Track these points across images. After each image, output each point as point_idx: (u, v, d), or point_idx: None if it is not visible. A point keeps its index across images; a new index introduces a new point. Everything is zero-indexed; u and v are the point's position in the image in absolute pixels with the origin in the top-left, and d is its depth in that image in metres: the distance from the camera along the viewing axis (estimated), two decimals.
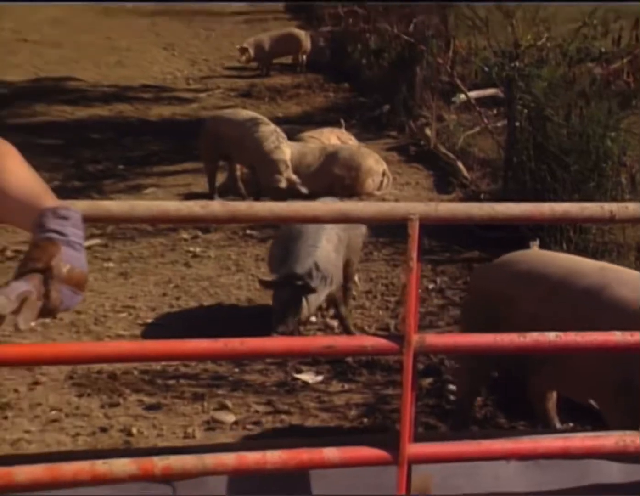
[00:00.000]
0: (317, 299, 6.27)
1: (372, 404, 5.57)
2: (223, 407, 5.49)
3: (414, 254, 2.44)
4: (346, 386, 5.82)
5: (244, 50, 18.58)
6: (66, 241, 1.76)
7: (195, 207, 2.42)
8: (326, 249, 6.36)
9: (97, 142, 13.49)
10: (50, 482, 2.37)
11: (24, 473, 2.32)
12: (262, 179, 9.98)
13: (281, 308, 6.14)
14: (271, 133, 10.09)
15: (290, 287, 6.09)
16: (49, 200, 1.88)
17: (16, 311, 1.65)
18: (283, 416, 5.42)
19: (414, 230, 2.43)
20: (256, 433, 5.22)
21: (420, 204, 2.54)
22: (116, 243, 8.67)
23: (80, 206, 2.12)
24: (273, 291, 6.34)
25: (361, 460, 2.59)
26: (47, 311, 1.72)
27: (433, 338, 2.74)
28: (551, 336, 2.64)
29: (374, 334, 6.34)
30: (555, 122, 8.58)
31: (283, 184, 9.73)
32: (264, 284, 6.41)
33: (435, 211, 2.51)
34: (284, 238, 6.61)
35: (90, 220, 2.19)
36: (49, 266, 1.70)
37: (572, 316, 4.03)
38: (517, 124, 9.36)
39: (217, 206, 2.45)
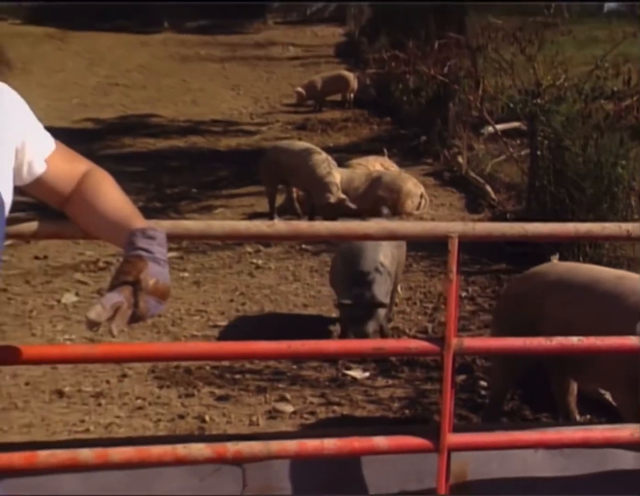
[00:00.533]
0: (384, 311, 6.20)
1: (412, 397, 5.53)
2: (283, 399, 5.48)
3: (454, 268, 2.42)
4: (390, 382, 5.78)
5: (299, 95, 18.73)
6: (152, 258, 1.76)
7: (262, 226, 2.41)
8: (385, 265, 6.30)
9: (174, 169, 13.61)
10: (139, 462, 2.38)
11: (118, 453, 2.33)
12: (315, 200, 9.99)
13: (361, 323, 5.99)
14: (323, 161, 10.10)
15: (367, 305, 5.99)
16: (139, 221, 1.89)
17: (110, 319, 1.66)
18: (335, 408, 5.39)
19: (454, 247, 2.40)
20: (312, 422, 5.20)
21: (459, 224, 2.52)
22: (190, 256, 8.72)
23: (164, 226, 2.12)
24: (347, 309, 6.12)
25: (406, 447, 2.57)
26: (136, 318, 1.73)
27: (470, 341, 2.72)
28: (574, 340, 2.61)
29: (414, 337, 6.32)
30: (572, 151, 8.53)
31: (331, 199, 9.73)
32: (343, 305, 6.14)
33: (472, 230, 2.48)
34: (345, 256, 6.40)
35: (172, 238, 2.19)
36: (138, 279, 1.71)
37: (595, 322, 3.96)
38: (539, 153, 9.32)
39: (281, 225, 2.45)
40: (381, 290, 6.12)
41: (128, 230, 1.84)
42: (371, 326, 5.99)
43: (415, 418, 5.22)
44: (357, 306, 5.98)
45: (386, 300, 6.15)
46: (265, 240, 7.55)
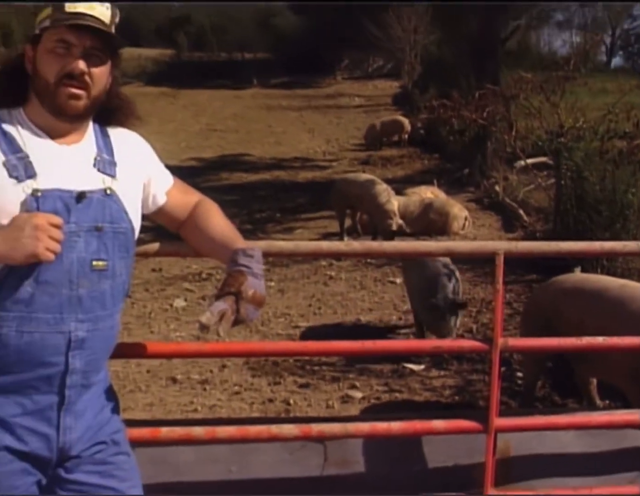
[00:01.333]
0: (463, 311, 6.01)
1: (461, 386, 5.43)
2: (353, 387, 5.42)
3: (500, 279, 2.38)
4: (442, 373, 5.68)
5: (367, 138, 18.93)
6: (251, 273, 1.75)
7: (341, 245, 2.41)
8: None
9: (262, 198, 13.71)
10: (240, 438, 2.38)
11: (223, 431, 2.34)
12: (377, 224, 9.95)
13: (447, 322, 5.71)
14: (384, 190, 10.07)
15: (453, 306, 5.72)
16: (240, 242, 1.89)
17: (217, 324, 1.65)
18: (396, 394, 5.31)
19: (500, 262, 2.36)
20: (377, 406, 5.15)
21: (504, 243, 2.47)
22: (276, 268, 8.74)
23: (260, 245, 2.13)
24: (434, 310, 5.78)
25: (459, 429, 2.54)
26: (237, 322, 1.72)
27: (513, 341, 2.69)
28: (600, 340, 2.57)
29: (462, 336, 6.22)
30: (590, 181, 8.42)
31: (393, 227, 9.68)
32: (433, 305, 5.75)
33: (516, 247, 2.43)
34: (426, 269, 6.00)
35: (267, 255, 2.19)
36: (239, 290, 1.70)
37: (602, 322, 3.87)
38: (563, 182, 9.20)
39: (356, 244, 2.43)
40: (460, 293, 5.96)
41: (231, 249, 1.83)
42: (454, 322, 5.74)
43: (463, 403, 5.12)
44: (444, 306, 5.72)
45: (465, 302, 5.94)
46: (342, 257, 7.53)
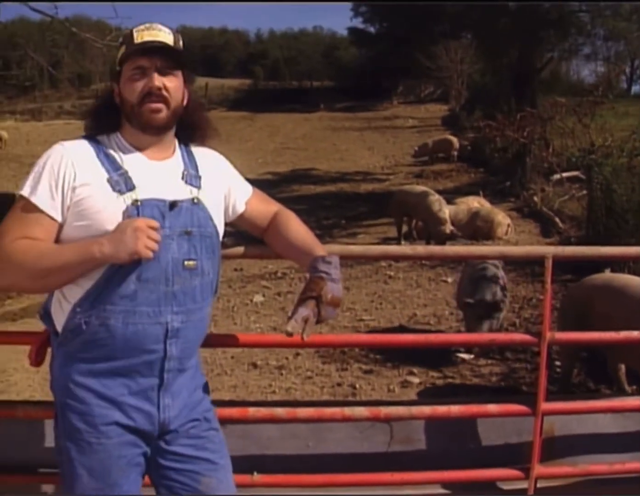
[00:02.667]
0: (498, 314, 5.59)
1: (506, 373, 5.32)
2: (411, 373, 5.36)
3: (549, 280, 2.31)
4: (489, 361, 5.57)
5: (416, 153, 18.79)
6: (330, 278, 1.73)
7: (407, 249, 2.37)
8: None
9: (328, 207, 13.72)
10: (317, 418, 2.37)
11: (302, 412, 2.34)
12: (431, 229, 9.83)
13: (481, 323, 5.42)
14: (436, 200, 9.95)
15: (488, 306, 5.44)
16: (319, 250, 1.85)
17: (302, 329, 1.63)
18: (449, 380, 5.24)
19: (549, 264, 2.29)
20: (433, 390, 5.08)
21: (552, 248, 2.40)
22: (342, 268, 8.69)
23: (334, 249, 2.10)
24: (469, 307, 5.54)
25: (511, 412, 2.49)
26: (318, 322, 1.70)
27: (559, 335, 2.62)
28: (635, 334, 2.51)
29: (506, 329, 6.07)
30: (618, 193, 8.26)
31: (447, 231, 9.56)
32: (469, 304, 5.51)
33: (562, 251, 2.36)
34: (471, 274, 5.74)
35: (340, 257, 2.15)
36: (320, 294, 1.68)
37: (630, 316, 3.77)
38: (594, 194, 9.09)
39: (420, 248, 2.39)
40: (497, 296, 5.55)
41: (312, 256, 1.81)
42: (486, 325, 5.44)
43: (508, 388, 5.02)
44: (477, 305, 5.47)
45: (500, 303, 5.53)
46: (407, 259, 7.41)
